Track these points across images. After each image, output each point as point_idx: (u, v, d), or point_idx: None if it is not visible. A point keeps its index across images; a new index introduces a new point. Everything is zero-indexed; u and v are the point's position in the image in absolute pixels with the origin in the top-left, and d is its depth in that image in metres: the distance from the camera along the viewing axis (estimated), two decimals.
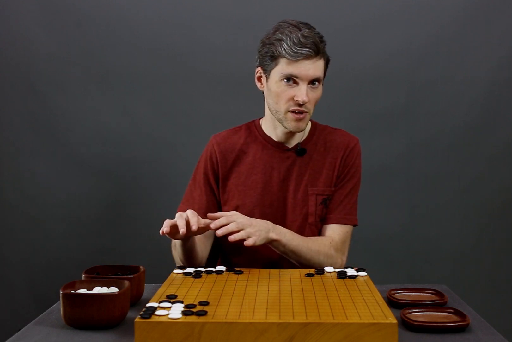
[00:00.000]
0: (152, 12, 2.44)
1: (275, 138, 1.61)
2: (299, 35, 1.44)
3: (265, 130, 1.62)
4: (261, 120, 1.65)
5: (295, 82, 1.47)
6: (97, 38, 2.44)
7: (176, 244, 1.52)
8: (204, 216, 1.55)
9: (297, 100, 1.47)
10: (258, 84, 1.58)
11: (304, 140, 1.62)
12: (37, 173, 2.49)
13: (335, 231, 1.59)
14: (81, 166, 2.49)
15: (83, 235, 2.50)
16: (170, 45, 2.45)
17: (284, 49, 1.45)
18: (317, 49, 1.45)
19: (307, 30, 1.45)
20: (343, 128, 1.69)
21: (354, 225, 1.62)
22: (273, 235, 1.44)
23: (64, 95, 2.47)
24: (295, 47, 1.43)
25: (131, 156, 2.49)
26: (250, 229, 1.39)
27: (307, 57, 1.44)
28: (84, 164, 2.49)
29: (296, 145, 1.60)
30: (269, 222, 1.46)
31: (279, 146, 1.60)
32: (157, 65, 2.45)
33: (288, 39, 1.44)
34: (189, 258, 1.52)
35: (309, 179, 1.59)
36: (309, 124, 1.65)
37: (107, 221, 2.52)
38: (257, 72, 1.56)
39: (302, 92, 1.46)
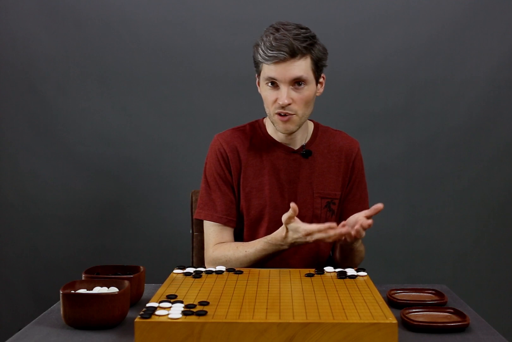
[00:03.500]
0: (152, 13, 2.44)
1: (278, 140, 1.60)
2: (271, 38, 1.43)
3: (268, 131, 1.62)
4: (264, 120, 1.64)
5: (278, 85, 1.48)
6: (97, 38, 2.44)
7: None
8: (229, 217, 1.57)
9: (278, 103, 1.47)
10: (259, 89, 1.58)
11: (308, 141, 1.61)
12: (37, 173, 2.49)
13: None
14: (81, 166, 2.49)
15: (83, 235, 2.51)
16: (170, 45, 2.45)
17: (260, 55, 1.46)
18: (291, 50, 1.43)
19: (283, 31, 1.44)
20: (343, 129, 1.69)
21: None
22: (356, 245, 1.52)
23: (64, 95, 2.47)
24: (268, 51, 1.44)
25: (131, 156, 2.49)
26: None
27: (283, 59, 1.44)
28: (84, 164, 2.49)
29: (302, 147, 1.60)
30: None
31: (285, 148, 1.59)
32: (157, 65, 2.46)
33: (262, 44, 1.45)
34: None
35: (315, 181, 1.59)
36: (311, 124, 1.65)
37: (107, 221, 2.52)
38: (256, 77, 1.57)
39: (282, 95, 1.46)
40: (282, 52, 1.43)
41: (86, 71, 2.46)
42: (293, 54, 1.44)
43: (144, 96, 2.47)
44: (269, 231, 1.55)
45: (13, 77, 2.47)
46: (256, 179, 1.57)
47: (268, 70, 1.46)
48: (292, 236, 1.44)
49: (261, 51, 1.45)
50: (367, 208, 1.66)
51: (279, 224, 1.53)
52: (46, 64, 2.46)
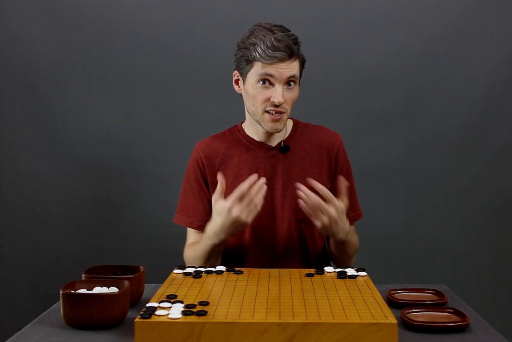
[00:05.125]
0: (152, 12, 2.43)
1: (257, 139, 1.63)
2: (272, 38, 1.46)
3: (247, 133, 1.64)
4: (243, 124, 1.68)
5: (271, 84, 1.49)
6: (97, 38, 2.44)
7: (210, 248, 1.51)
8: (201, 222, 1.61)
9: (273, 101, 1.48)
10: (235, 87, 1.60)
11: (286, 138, 1.63)
12: (37, 172, 2.49)
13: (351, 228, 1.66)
14: (81, 166, 2.49)
15: (83, 235, 2.51)
16: (170, 45, 2.45)
17: (258, 53, 1.47)
18: (290, 51, 1.47)
19: (280, 33, 1.48)
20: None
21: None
22: (346, 237, 1.50)
23: (64, 95, 2.47)
24: (269, 51, 1.46)
25: (131, 156, 2.50)
26: (335, 225, 1.43)
27: (281, 60, 1.47)
28: (84, 164, 2.49)
29: (279, 143, 1.62)
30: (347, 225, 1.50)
31: (262, 146, 1.62)
32: (157, 65, 2.45)
33: (261, 43, 1.47)
34: (216, 260, 1.55)
35: (296, 175, 1.60)
36: (290, 122, 1.67)
37: (107, 221, 2.52)
38: (234, 75, 1.59)
39: (278, 93, 1.48)
40: (283, 53, 1.46)
41: (86, 71, 2.46)
42: (291, 55, 1.48)
43: (144, 96, 2.47)
44: (253, 230, 1.59)
45: (13, 77, 2.47)
46: (236, 180, 1.59)
47: (265, 68, 1.47)
48: (216, 221, 1.44)
49: (260, 50, 1.46)
50: (355, 199, 1.68)
51: (261, 222, 1.56)
52: (46, 64, 2.45)
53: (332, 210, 1.40)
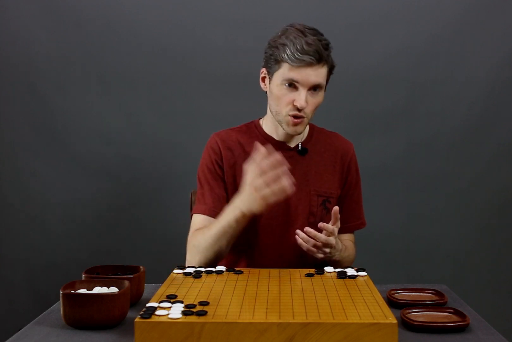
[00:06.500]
0: (152, 12, 2.43)
1: (276, 138, 1.62)
2: (303, 42, 1.45)
3: (265, 130, 1.63)
4: (261, 121, 1.66)
5: (296, 87, 1.48)
6: (97, 38, 2.44)
7: (228, 230, 1.46)
8: (215, 209, 1.55)
9: (295, 105, 1.48)
10: (262, 85, 1.59)
11: (304, 140, 1.64)
12: (37, 172, 2.49)
13: (350, 236, 1.68)
14: (81, 166, 2.49)
15: (83, 235, 2.51)
16: (170, 45, 2.45)
17: (287, 55, 1.46)
18: (319, 57, 1.45)
19: (312, 37, 1.46)
20: (344, 128, 1.71)
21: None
22: (340, 254, 1.52)
23: (64, 95, 2.47)
24: (298, 53, 1.44)
25: (131, 157, 2.50)
26: (333, 251, 1.47)
27: (309, 64, 1.45)
28: (84, 164, 2.49)
29: (297, 145, 1.62)
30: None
31: (281, 145, 1.61)
32: (157, 65, 2.45)
33: (292, 45, 1.45)
34: (227, 247, 1.49)
35: (311, 179, 1.60)
36: (307, 126, 1.66)
37: (107, 221, 2.52)
38: (262, 72, 1.58)
39: (301, 98, 1.47)
40: (311, 57, 1.44)
41: (86, 71, 2.46)
42: (319, 60, 1.46)
43: (144, 96, 2.47)
44: (265, 228, 1.57)
45: (13, 77, 2.46)
46: None
47: (291, 71, 1.46)
48: (240, 192, 1.40)
49: (289, 51, 1.45)
50: (361, 207, 1.69)
51: (274, 220, 1.55)
52: (46, 64, 2.45)
53: (332, 239, 1.43)
